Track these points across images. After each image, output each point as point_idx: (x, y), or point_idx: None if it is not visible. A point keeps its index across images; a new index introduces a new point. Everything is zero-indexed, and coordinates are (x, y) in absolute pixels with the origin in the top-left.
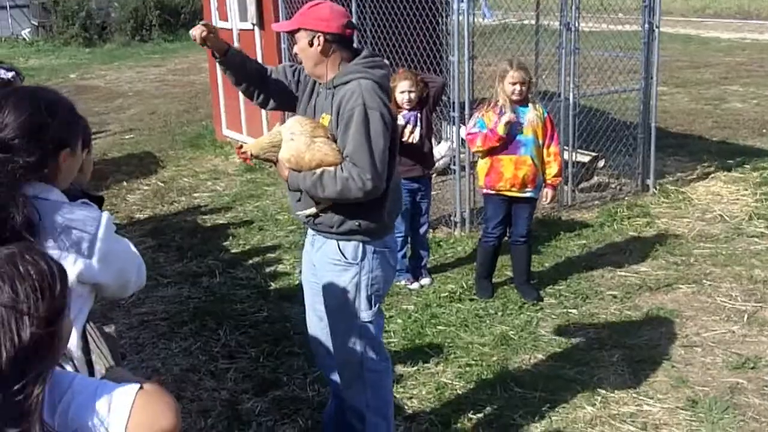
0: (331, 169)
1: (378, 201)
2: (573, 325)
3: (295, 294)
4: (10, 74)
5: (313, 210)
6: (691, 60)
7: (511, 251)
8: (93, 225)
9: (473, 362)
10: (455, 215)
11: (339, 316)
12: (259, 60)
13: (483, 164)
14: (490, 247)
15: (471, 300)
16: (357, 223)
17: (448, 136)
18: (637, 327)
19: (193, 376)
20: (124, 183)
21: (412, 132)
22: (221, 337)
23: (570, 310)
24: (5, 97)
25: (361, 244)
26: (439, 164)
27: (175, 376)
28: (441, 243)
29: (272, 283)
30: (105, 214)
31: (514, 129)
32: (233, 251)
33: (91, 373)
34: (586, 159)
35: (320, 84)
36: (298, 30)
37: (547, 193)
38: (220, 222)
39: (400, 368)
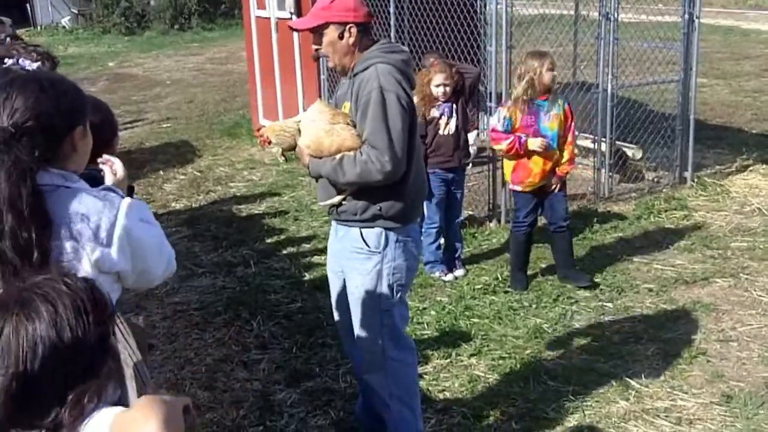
0: (351, 153)
1: (400, 185)
2: (608, 318)
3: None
4: (35, 65)
5: (337, 199)
6: (731, 52)
7: (553, 240)
8: (112, 212)
9: (506, 355)
10: (490, 206)
11: (362, 304)
12: (296, 48)
13: (509, 161)
14: (522, 235)
15: (505, 292)
16: (379, 207)
17: (485, 126)
18: (673, 321)
19: (225, 367)
20: (161, 172)
21: (447, 123)
22: (254, 328)
23: (605, 303)
24: (9, 83)
25: (383, 232)
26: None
27: (208, 366)
28: (476, 235)
29: (306, 274)
30: (126, 201)
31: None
32: (268, 241)
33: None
34: (625, 150)
35: (343, 76)
36: (326, 24)
37: (556, 180)
38: (256, 212)
39: (433, 360)
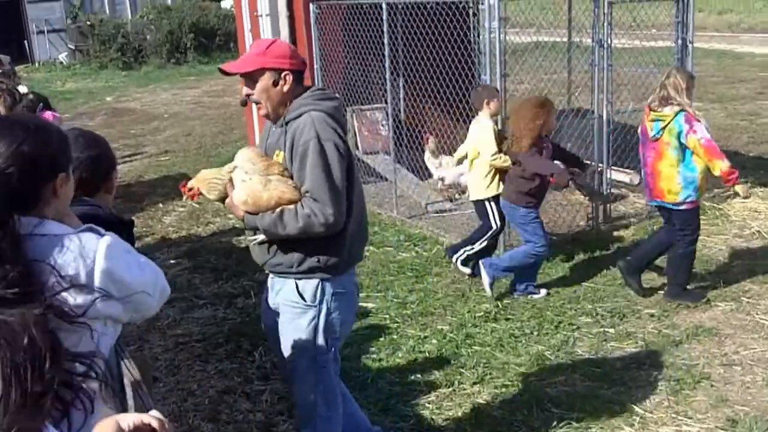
0: (291, 207)
1: (338, 236)
2: (610, 344)
3: None
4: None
5: (262, 236)
6: (725, 75)
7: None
8: (91, 256)
9: (509, 383)
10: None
11: (297, 359)
12: None
13: (701, 173)
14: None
15: (506, 319)
16: (317, 259)
17: None
18: (675, 346)
19: (228, 398)
20: (160, 204)
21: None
22: (256, 359)
23: (607, 329)
24: None
25: (320, 283)
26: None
27: (211, 398)
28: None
29: None
30: (104, 240)
31: None
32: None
33: (123, 398)
34: (621, 176)
35: (273, 125)
36: (261, 70)
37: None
38: None
39: (435, 389)
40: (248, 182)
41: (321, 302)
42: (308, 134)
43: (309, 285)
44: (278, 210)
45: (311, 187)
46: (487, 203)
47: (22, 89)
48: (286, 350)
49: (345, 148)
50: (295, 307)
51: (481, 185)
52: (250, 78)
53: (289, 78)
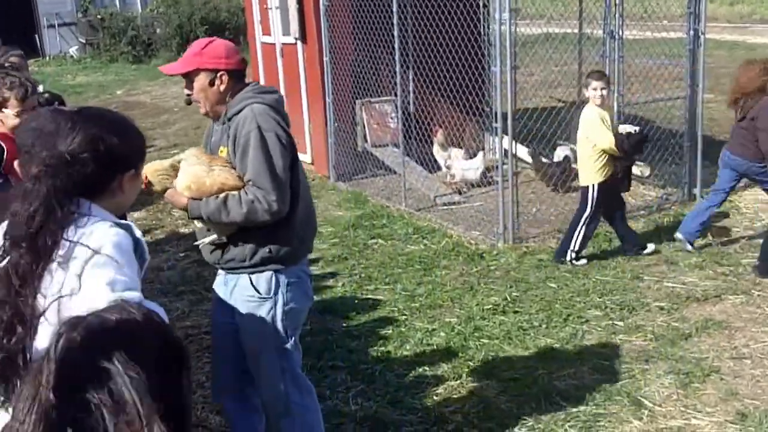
0: (235, 192)
1: (288, 225)
2: (619, 337)
3: (338, 307)
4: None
5: (214, 237)
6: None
7: None
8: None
9: (517, 375)
10: (499, 227)
11: (260, 353)
12: (302, 73)
13: None
14: None
15: (515, 312)
16: (268, 249)
17: (491, 146)
18: (685, 339)
19: None
20: None
21: None
22: None
23: (616, 322)
24: (77, 113)
25: (273, 275)
26: (471, 175)
27: None
28: (484, 255)
29: (314, 297)
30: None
31: None
32: None
33: None
34: (633, 168)
35: (215, 122)
36: (197, 71)
37: None
38: None
39: (444, 382)
40: (191, 168)
41: (276, 293)
42: (249, 125)
43: (262, 277)
44: (222, 196)
45: (253, 176)
46: (590, 188)
47: (40, 88)
48: (249, 345)
49: (287, 140)
50: (250, 301)
51: (590, 170)
52: (188, 78)
53: (225, 78)
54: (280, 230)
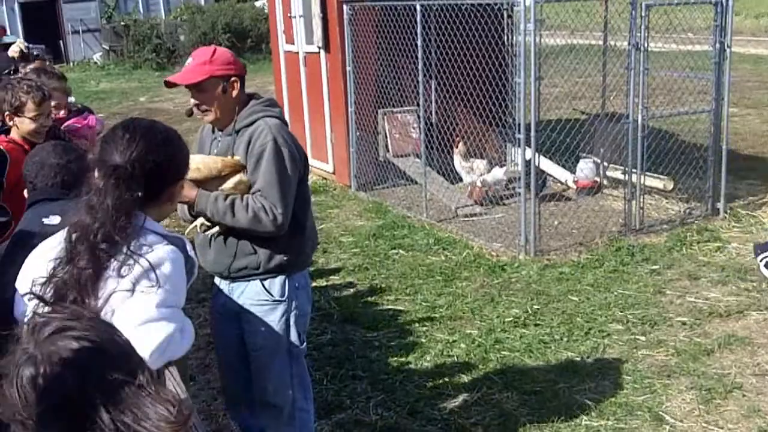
0: (243, 198)
1: (303, 233)
2: (640, 351)
3: (359, 317)
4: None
5: (217, 229)
6: (762, 80)
7: None
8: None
9: (538, 388)
10: (520, 239)
11: (272, 357)
12: (325, 82)
13: None
14: None
15: (536, 325)
16: (285, 257)
17: (513, 158)
18: (707, 354)
19: None
20: None
21: None
22: None
23: (638, 337)
24: (133, 126)
25: (286, 279)
26: (491, 187)
27: None
28: (505, 267)
29: (336, 306)
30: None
31: None
32: None
33: None
34: (655, 182)
35: (219, 132)
36: (209, 79)
37: None
38: None
39: (463, 394)
40: (197, 156)
41: (289, 296)
42: (265, 138)
43: (276, 281)
44: (230, 199)
45: (263, 186)
46: None
47: (71, 99)
48: (260, 350)
49: (299, 156)
50: (263, 305)
51: None
52: (198, 88)
53: (237, 84)
54: (296, 238)
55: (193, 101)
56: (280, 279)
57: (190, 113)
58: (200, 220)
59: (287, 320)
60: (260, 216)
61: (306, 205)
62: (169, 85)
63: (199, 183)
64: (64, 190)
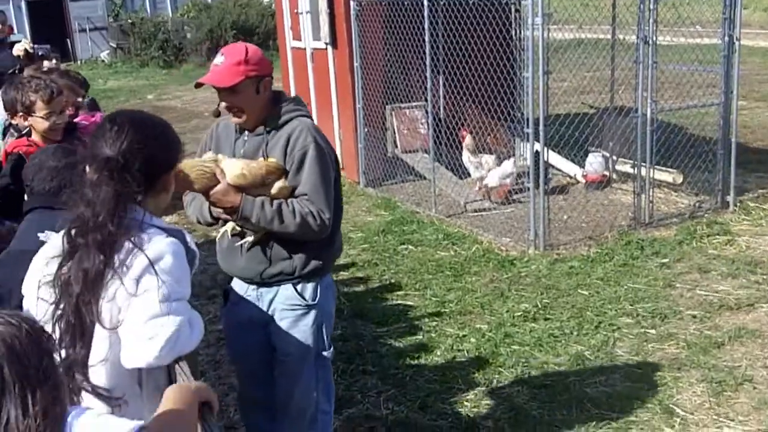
0: (289, 203)
1: (335, 236)
2: (651, 344)
3: (369, 312)
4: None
5: (251, 238)
6: None
7: None
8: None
9: (548, 382)
10: (530, 233)
11: (301, 363)
12: (332, 78)
13: None
14: None
15: (545, 319)
16: (320, 261)
17: (521, 152)
18: (717, 347)
19: None
20: None
21: None
22: None
23: (648, 330)
24: (121, 117)
25: (318, 283)
26: (501, 181)
27: None
28: (515, 261)
29: (346, 302)
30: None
31: None
32: None
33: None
34: (665, 176)
35: (246, 132)
36: (244, 80)
37: None
38: None
39: (474, 388)
40: (234, 160)
41: (320, 300)
42: (306, 139)
43: (308, 285)
44: (276, 203)
45: (309, 190)
46: None
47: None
48: (289, 355)
49: (333, 157)
50: (296, 309)
51: None
52: (233, 90)
53: (269, 83)
54: (329, 240)
55: (224, 104)
56: (312, 282)
57: (217, 114)
58: (230, 224)
59: (319, 324)
60: (308, 221)
61: (339, 207)
62: (199, 85)
63: (242, 189)
64: (61, 195)
